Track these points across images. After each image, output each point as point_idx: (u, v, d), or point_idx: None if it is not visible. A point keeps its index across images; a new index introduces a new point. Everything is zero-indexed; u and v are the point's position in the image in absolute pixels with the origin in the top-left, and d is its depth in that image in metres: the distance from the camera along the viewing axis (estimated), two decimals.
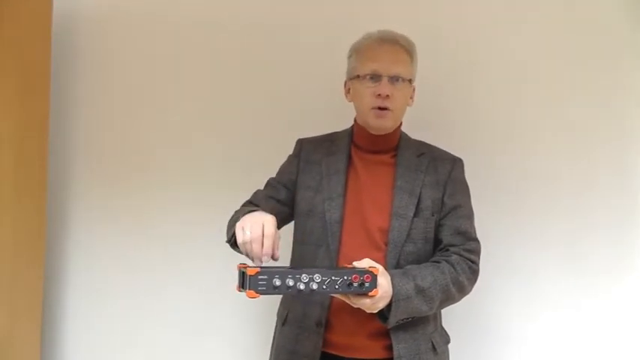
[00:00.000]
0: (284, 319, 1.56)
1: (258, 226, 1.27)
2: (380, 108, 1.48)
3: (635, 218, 1.86)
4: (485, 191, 1.75)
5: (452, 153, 1.59)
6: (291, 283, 1.20)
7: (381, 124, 1.51)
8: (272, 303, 1.63)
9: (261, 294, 1.19)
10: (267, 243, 1.27)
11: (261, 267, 1.22)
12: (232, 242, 1.42)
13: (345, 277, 1.23)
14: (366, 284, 1.25)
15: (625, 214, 1.86)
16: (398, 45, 1.50)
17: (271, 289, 1.19)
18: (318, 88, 1.94)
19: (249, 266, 1.22)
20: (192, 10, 2.09)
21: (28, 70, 1.94)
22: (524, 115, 1.91)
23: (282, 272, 1.21)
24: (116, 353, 2.11)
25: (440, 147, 1.60)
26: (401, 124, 1.57)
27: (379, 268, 1.30)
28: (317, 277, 1.22)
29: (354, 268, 1.29)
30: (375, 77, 1.47)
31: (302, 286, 1.21)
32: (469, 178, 1.58)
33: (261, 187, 1.64)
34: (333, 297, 1.41)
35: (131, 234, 2.11)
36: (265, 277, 1.19)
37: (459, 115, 1.93)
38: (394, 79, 1.47)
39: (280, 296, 1.62)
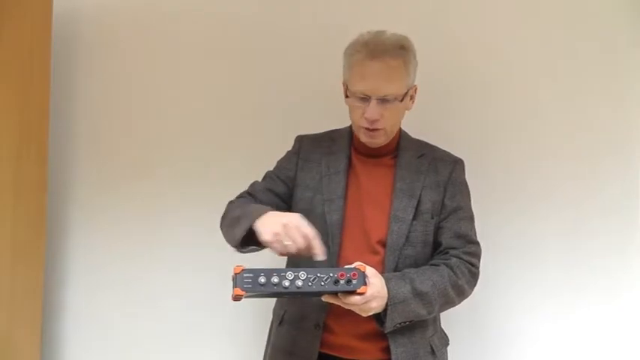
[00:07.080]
0: (280, 319, 1.55)
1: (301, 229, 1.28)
2: (369, 129, 1.44)
3: (639, 221, 1.85)
4: (486, 192, 1.74)
5: (453, 154, 1.57)
6: (276, 280, 1.22)
7: (372, 142, 1.48)
8: (269, 301, 1.63)
9: (247, 292, 1.20)
10: (317, 243, 1.28)
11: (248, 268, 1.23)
12: (243, 240, 1.36)
13: (332, 275, 1.24)
14: (354, 281, 1.25)
15: (629, 217, 1.85)
16: (389, 57, 1.39)
17: (257, 287, 1.21)
18: (320, 87, 1.93)
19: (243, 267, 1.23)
20: (192, 9, 2.08)
21: (28, 70, 1.94)
22: (526, 116, 1.90)
23: (267, 270, 1.23)
24: (116, 353, 2.11)
25: (441, 148, 1.58)
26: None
27: (367, 267, 1.30)
28: (302, 275, 1.23)
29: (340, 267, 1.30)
30: (364, 98, 1.41)
31: (287, 283, 1.22)
32: (470, 180, 1.57)
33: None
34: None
35: (131, 234, 2.11)
36: (251, 274, 1.21)
37: (461, 117, 1.92)
38: (384, 100, 1.40)
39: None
